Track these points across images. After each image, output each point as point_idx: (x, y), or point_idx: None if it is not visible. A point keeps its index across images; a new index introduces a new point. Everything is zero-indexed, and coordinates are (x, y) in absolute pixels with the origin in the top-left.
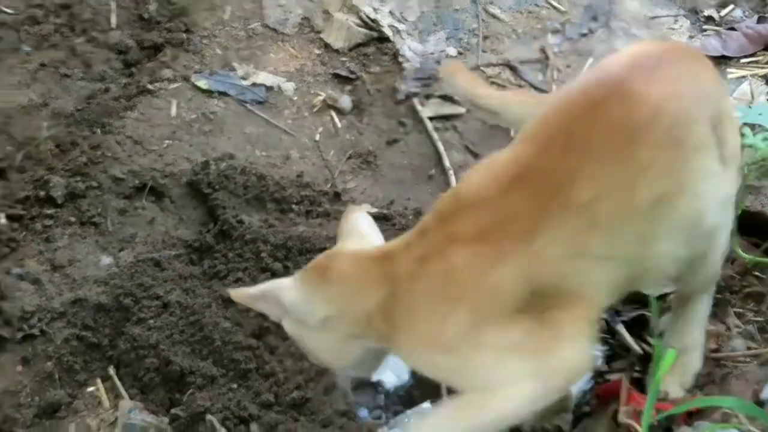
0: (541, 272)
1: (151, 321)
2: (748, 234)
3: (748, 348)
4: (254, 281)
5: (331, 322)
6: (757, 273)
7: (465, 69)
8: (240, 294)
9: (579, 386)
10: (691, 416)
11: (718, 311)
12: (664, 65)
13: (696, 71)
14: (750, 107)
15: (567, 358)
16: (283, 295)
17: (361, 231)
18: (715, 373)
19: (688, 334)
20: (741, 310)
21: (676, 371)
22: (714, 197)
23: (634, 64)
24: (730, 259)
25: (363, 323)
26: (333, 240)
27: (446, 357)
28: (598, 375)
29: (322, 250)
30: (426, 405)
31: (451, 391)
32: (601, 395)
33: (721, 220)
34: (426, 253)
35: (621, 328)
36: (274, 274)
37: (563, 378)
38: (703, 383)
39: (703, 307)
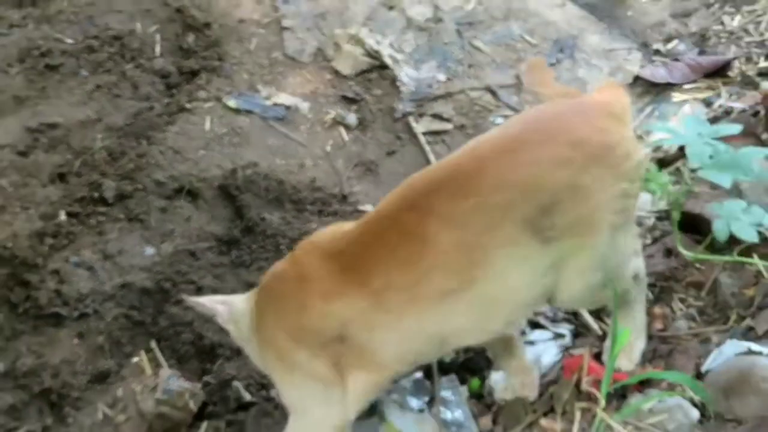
0: (342, 327)
1: None
2: (690, 232)
3: (690, 328)
4: None
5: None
6: (697, 265)
7: (544, 66)
8: (193, 301)
9: (548, 359)
10: (643, 385)
11: (664, 296)
12: (509, 156)
13: (551, 155)
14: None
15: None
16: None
17: None
18: (661, 349)
19: (632, 321)
20: (684, 296)
21: (625, 349)
22: (522, 277)
23: (458, 170)
24: (675, 253)
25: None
26: None
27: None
28: (565, 350)
29: None
30: (419, 375)
31: None
32: (566, 367)
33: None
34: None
35: (584, 311)
36: None
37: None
38: (651, 357)
39: (635, 304)
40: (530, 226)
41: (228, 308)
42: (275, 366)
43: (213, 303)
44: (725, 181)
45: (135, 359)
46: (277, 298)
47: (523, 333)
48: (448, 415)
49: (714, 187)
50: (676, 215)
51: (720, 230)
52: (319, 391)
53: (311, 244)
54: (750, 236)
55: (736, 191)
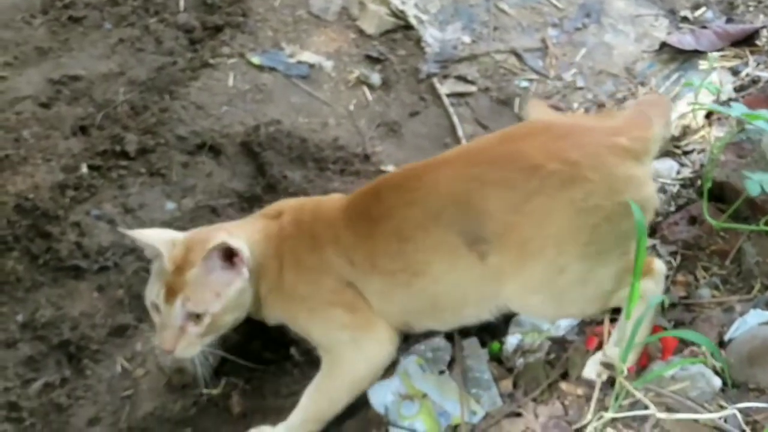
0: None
1: None
2: (716, 201)
3: (713, 296)
4: None
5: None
6: (722, 234)
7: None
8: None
9: (566, 322)
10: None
11: (687, 264)
12: (460, 167)
13: (487, 178)
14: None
15: (372, 337)
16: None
17: None
18: (684, 317)
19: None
20: (707, 264)
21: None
22: (458, 283)
23: (418, 167)
24: (699, 221)
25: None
26: None
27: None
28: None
29: None
30: (439, 337)
31: None
32: (588, 337)
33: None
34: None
35: None
36: None
37: (374, 349)
38: (674, 325)
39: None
40: (465, 238)
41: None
42: (300, 312)
43: (158, 242)
44: None
45: None
46: (296, 243)
47: None
48: (469, 377)
49: (740, 155)
50: (707, 183)
51: (752, 188)
52: (344, 319)
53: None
54: None
55: (763, 161)
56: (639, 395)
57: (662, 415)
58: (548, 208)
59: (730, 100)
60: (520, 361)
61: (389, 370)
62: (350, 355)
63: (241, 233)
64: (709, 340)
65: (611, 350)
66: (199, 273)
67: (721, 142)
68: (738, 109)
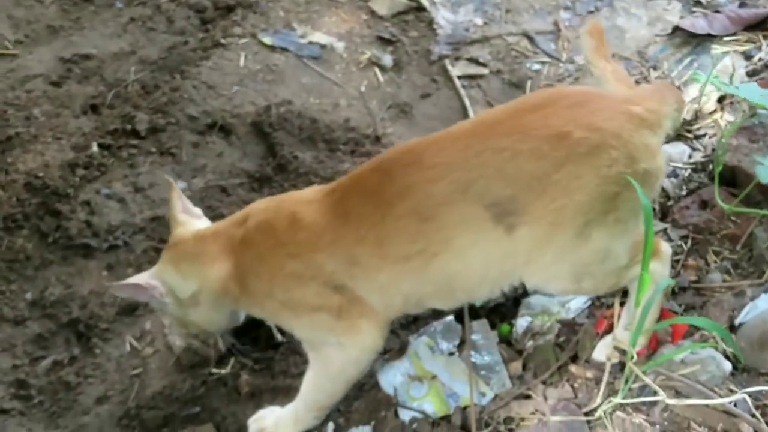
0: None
1: None
2: (728, 185)
3: (724, 281)
4: None
5: (196, 297)
6: (733, 218)
7: (602, 32)
8: (118, 287)
9: (576, 304)
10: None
11: (698, 248)
12: (485, 139)
13: (519, 149)
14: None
15: (357, 341)
16: (160, 278)
17: (187, 209)
18: (695, 301)
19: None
20: (719, 249)
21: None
22: (482, 259)
23: (431, 142)
24: (710, 205)
25: (221, 292)
26: None
27: (282, 308)
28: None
29: None
30: (450, 318)
31: None
32: (599, 320)
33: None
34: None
35: None
36: None
37: (356, 352)
38: (685, 309)
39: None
40: (493, 211)
41: (162, 282)
42: (282, 313)
43: (142, 280)
44: None
45: None
46: (273, 251)
47: None
48: (478, 358)
49: (752, 140)
50: (718, 168)
51: (763, 174)
52: (329, 323)
53: (284, 200)
54: None
55: None
56: (648, 380)
57: (672, 401)
58: (577, 175)
59: (742, 83)
60: (529, 344)
61: (399, 351)
62: (336, 357)
63: (197, 249)
64: (720, 326)
65: (621, 334)
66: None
67: (733, 126)
68: (747, 90)
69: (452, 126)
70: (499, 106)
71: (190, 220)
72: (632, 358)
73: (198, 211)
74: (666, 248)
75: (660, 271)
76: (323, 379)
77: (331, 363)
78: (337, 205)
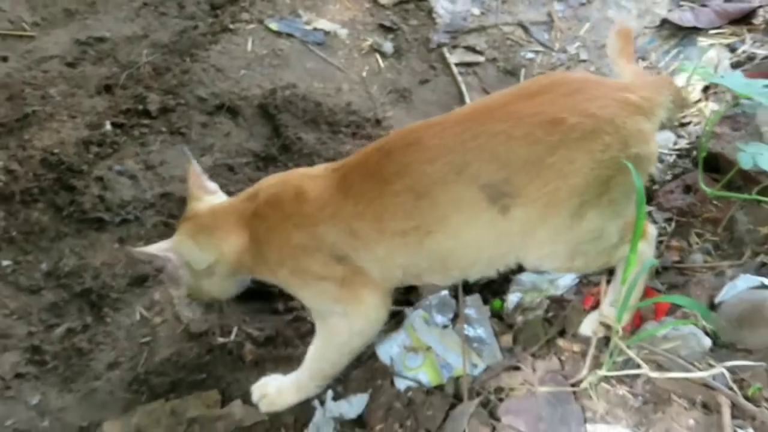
0: (335, 246)
1: None
2: (711, 171)
3: (705, 261)
4: None
5: (212, 268)
6: (715, 202)
7: (630, 38)
8: (140, 252)
9: (565, 282)
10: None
11: (681, 230)
12: (481, 123)
13: (513, 133)
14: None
15: (361, 311)
16: (178, 251)
17: (204, 186)
18: (677, 280)
19: (615, 285)
20: (701, 231)
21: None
22: (476, 239)
23: (432, 124)
24: (694, 189)
25: (235, 263)
26: None
27: (292, 277)
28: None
29: None
30: (444, 293)
31: None
32: (586, 296)
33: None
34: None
35: None
36: None
37: (360, 323)
38: (668, 287)
39: (618, 271)
40: (488, 192)
41: (177, 254)
42: (292, 281)
43: (161, 250)
44: None
45: None
46: (281, 222)
47: None
48: (471, 331)
49: (735, 128)
50: (702, 154)
51: (745, 161)
52: (335, 293)
53: (292, 175)
54: None
55: (756, 134)
56: (632, 354)
57: (654, 374)
58: (570, 159)
59: (727, 74)
60: (519, 318)
61: (396, 323)
62: (342, 326)
63: (213, 223)
64: (700, 304)
65: (607, 310)
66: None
67: (717, 115)
68: (732, 80)
69: (452, 111)
70: (497, 92)
71: (206, 195)
72: (618, 333)
73: (214, 186)
74: (652, 230)
75: (645, 251)
76: (329, 348)
77: (337, 333)
78: (341, 182)
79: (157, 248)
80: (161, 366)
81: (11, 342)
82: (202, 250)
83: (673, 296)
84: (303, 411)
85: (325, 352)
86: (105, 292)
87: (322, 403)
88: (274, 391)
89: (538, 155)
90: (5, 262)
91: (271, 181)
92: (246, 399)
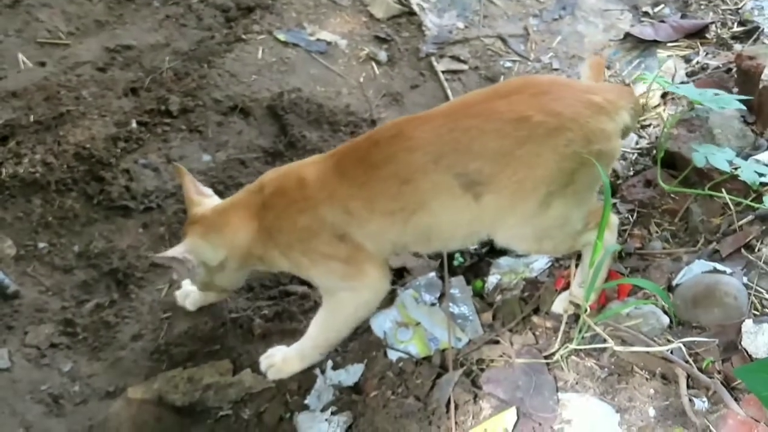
0: (334, 225)
1: None
2: (669, 167)
3: (664, 248)
4: None
5: (224, 263)
6: (672, 196)
7: (602, 66)
8: (158, 258)
9: (539, 264)
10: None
11: (642, 220)
12: (457, 119)
13: (485, 128)
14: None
15: (366, 284)
16: (192, 251)
17: (200, 191)
18: (639, 265)
19: (582, 269)
20: (659, 221)
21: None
22: (453, 220)
23: (415, 118)
24: (653, 184)
25: (244, 256)
26: None
27: (301, 257)
28: (554, 259)
29: None
30: (432, 274)
31: None
32: (558, 278)
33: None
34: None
35: None
36: None
37: (367, 294)
38: (630, 271)
39: (584, 256)
40: (462, 180)
41: (193, 255)
42: (302, 261)
43: (179, 253)
44: None
45: None
46: (288, 209)
47: None
48: (455, 309)
49: (690, 130)
50: (660, 153)
51: (699, 159)
52: (342, 270)
53: (290, 167)
54: (723, 166)
55: (709, 136)
56: (599, 330)
57: (618, 348)
58: (536, 153)
59: (682, 83)
60: (498, 298)
61: (388, 301)
62: (349, 299)
63: (219, 227)
64: (658, 286)
65: (576, 290)
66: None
67: (674, 118)
68: (686, 90)
69: (439, 106)
70: (474, 91)
71: (204, 200)
72: (586, 311)
73: (209, 190)
74: (614, 219)
75: (609, 238)
76: (336, 319)
77: (345, 305)
78: (335, 167)
79: (175, 252)
80: (179, 338)
81: (46, 315)
82: (214, 248)
83: (636, 279)
84: (305, 378)
85: (333, 323)
86: (130, 272)
87: (323, 371)
88: (280, 360)
89: (508, 148)
90: (41, 245)
91: (273, 175)
92: (255, 368)
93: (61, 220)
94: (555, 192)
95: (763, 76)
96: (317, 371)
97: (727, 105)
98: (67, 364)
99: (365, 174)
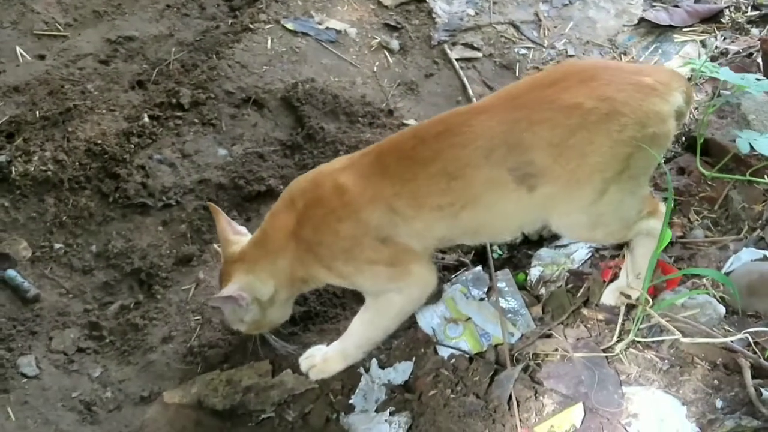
0: (378, 227)
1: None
2: (707, 155)
3: (706, 236)
4: None
5: (274, 297)
6: (709, 183)
7: None
8: (213, 299)
9: (580, 255)
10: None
11: (681, 208)
12: (505, 111)
13: (534, 119)
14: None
15: (413, 282)
16: (243, 289)
17: (236, 231)
18: (683, 254)
19: (630, 262)
20: (699, 209)
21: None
22: (505, 213)
23: (458, 113)
24: (687, 172)
25: (290, 282)
26: None
27: (346, 266)
28: (594, 249)
29: None
30: (478, 268)
31: None
32: (604, 270)
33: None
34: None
35: None
36: None
37: (416, 292)
38: (675, 260)
39: (637, 249)
40: (515, 174)
41: (248, 292)
42: (347, 271)
43: (233, 291)
44: None
45: (215, 245)
46: (326, 219)
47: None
48: (505, 303)
49: (721, 116)
50: (700, 140)
51: (743, 145)
52: (387, 273)
53: (320, 174)
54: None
55: (743, 121)
56: (663, 321)
57: (685, 340)
58: (590, 140)
59: (703, 67)
60: (542, 290)
61: (436, 296)
62: (396, 299)
63: (260, 258)
64: (721, 274)
65: (633, 281)
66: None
67: (711, 107)
68: (729, 75)
69: (481, 100)
70: (519, 81)
71: (240, 239)
72: (649, 302)
73: (243, 229)
74: (662, 208)
75: (659, 227)
76: (383, 318)
77: (392, 305)
78: (373, 166)
79: (230, 291)
80: (213, 339)
81: (70, 319)
82: (263, 281)
83: (702, 269)
84: (349, 377)
85: (379, 322)
86: (154, 271)
87: (367, 370)
88: (321, 360)
89: (560, 138)
90: (57, 245)
91: (302, 185)
92: (294, 369)
93: (76, 219)
94: (610, 179)
95: None
96: (361, 369)
97: None
98: (97, 369)
99: (410, 171)
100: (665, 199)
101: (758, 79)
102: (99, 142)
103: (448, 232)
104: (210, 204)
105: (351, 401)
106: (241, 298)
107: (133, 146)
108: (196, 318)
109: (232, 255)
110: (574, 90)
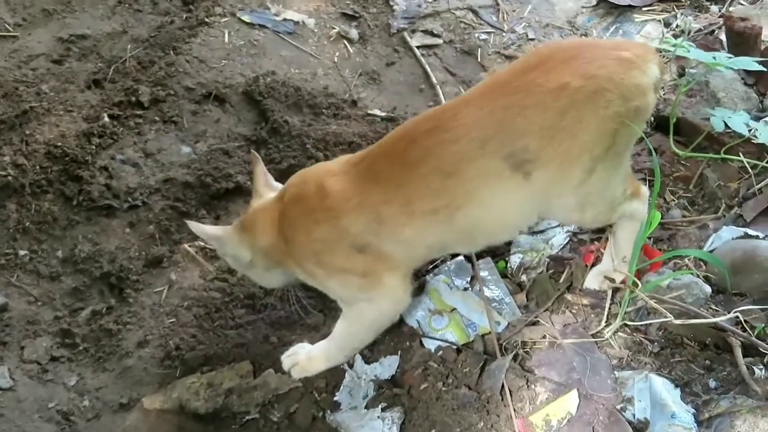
0: (358, 235)
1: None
2: (678, 134)
3: (684, 216)
4: (303, 165)
5: (253, 262)
6: (683, 162)
7: None
8: (197, 228)
9: (558, 240)
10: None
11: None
12: (494, 99)
13: (525, 104)
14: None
15: (385, 294)
16: (224, 242)
17: (269, 184)
18: (662, 235)
19: (613, 243)
20: (674, 189)
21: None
22: (503, 206)
23: (446, 108)
24: (660, 152)
25: (266, 258)
26: (358, 135)
27: (316, 269)
28: (572, 234)
29: (350, 143)
30: (460, 258)
31: None
32: (585, 254)
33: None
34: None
35: None
36: (317, 161)
37: (386, 304)
38: (654, 241)
39: (620, 232)
40: (510, 161)
41: (229, 247)
42: (317, 273)
43: (210, 237)
44: None
45: (185, 246)
46: (303, 218)
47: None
48: (489, 292)
49: (689, 95)
50: (672, 119)
51: (717, 124)
52: (357, 283)
53: (312, 173)
54: (742, 130)
55: (713, 100)
56: (653, 303)
57: (678, 321)
58: (579, 119)
59: (674, 46)
60: (524, 277)
61: (418, 289)
62: (367, 310)
63: (251, 223)
64: (707, 253)
65: (618, 264)
66: None
67: (684, 86)
68: (701, 54)
69: (467, 91)
70: (503, 68)
71: (269, 192)
72: (637, 285)
73: (277, 184)
74: (645, 190)
75: (641, 209)
76: (357, 328)
77: (363, 316)
78: (365, 173)
79: (212, 230)
80: (190, 342)
81: (40, 327)
82: (242, 247)
83: (691, 250)
84: (333, 375)
85: (353, 331)
86: (124, 275)
87: (351, 366)
88: (304, 358)
89: (551, 120)
90: (22, 252)
91: (295, 180)
92: (276, 368)
93: (40, 224)
94: (598, 156)
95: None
96: (345, 366)
97: (748, 67)
98: (72, 377)
99: (401, 175)
100: (641, 180)
101: (729, 57)
102: (59, 144)
103: (441, 238)
104: (252, 153)
105: (336, 398)
106: (221, 241)
107: (94, 147)
108: (171, 320)
109: (249, 207)
110: (558, 71)
